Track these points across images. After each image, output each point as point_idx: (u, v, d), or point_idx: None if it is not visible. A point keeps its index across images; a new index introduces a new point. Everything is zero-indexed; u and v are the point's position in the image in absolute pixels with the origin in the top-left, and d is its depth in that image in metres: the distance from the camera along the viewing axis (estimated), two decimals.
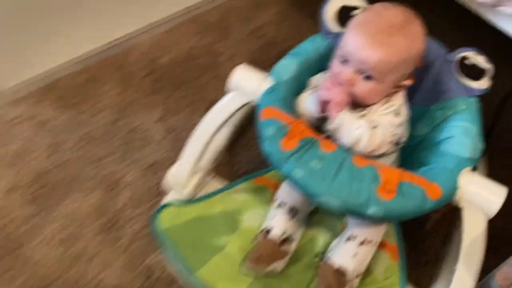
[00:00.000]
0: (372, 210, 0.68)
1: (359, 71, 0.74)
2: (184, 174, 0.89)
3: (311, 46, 0.86)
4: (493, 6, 0.76)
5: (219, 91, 0.80)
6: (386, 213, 0.69)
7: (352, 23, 0.76)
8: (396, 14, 0.73)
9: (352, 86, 0.75)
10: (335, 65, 0.78)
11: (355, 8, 0.85)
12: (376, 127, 0.75)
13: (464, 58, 0.81)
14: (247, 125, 1.11)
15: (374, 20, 0.73)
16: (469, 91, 0.79)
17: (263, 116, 0.77)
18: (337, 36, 0.85)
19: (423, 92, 0.85)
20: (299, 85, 0.84)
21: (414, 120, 0.84)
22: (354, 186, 0.69)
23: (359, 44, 0.72)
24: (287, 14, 1.37)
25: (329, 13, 0.86)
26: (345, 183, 0.69)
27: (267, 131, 0.75)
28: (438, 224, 0.99)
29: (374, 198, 0.68)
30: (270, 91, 0.79)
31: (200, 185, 0.94)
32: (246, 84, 0.82)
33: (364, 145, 0.73)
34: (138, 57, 1.24)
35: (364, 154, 0.74)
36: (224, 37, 1.30)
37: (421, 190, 0.69)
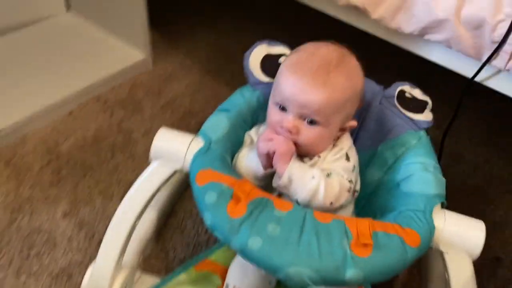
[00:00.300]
0: (350, 273, 0.56)
1: (302, 117, 0.66)
2: (105, 276, 0.70)
3: (240, 99, 0.76)
4: (421, 35, 0.74)
5: (137, 171, 0.66)
6: (367, 273, 0.56)
7: (285, 66, 0.68)
8: (330, 51, 0.67)
9: (296, 134, 0.66)
10: (273, 114, 0.69)
11: (279, 56, 0.79)
12: (330, 175, 0.65)
13: (402, 92, 0.77)
14: (176, 201, 0.96)
15: (308, 60, 0.66)
16: (416, 124, 0.74)
17: (199, 182, 0.63)
18: (267, 85, 0.77)
19: (367, 135, 0.79)
20: (234, 143, 0.73)
21: (363, 166, 0.77)
22: (324, 247, 0.57)
23: (298, 88, 0.64)
24: (201, 84, 1.30)
25: (253, 63, 0.79)
26: (313, 245, 0.57)
27: (207, 198, 0.61)
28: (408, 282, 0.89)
29: (349, 257, 0.56)
30: (203, 152, 0.67)
31: (128, 286, 0.75)
32: (172, 148, 0.69)
33: (322, 197, 0.63)
34: (34, 145, 1.05)
35: (323, 209, 0.64)
36: (135, 113, 1.17)
37: (398, 239, 0.59)
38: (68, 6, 1.43)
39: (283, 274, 0.56)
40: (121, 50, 1.30)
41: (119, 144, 1.08)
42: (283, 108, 0.67)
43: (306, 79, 0.64)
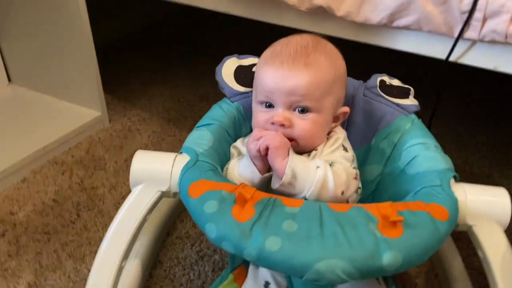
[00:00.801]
0: (387, 257, 0.49)
1: (291, 107, 0.61)
2: None
3: (219, 111, 0.71)
4: (390, 22, 0.74)
5: (108, 227, 0.58)
6: (405, 254, 0.49)
7: (261, 60, 0.65)
8: (304, 38, 0.65)
9: (290, 127, 0.61)
10: (260, 114, 0.64)
11: (251, 66, 0.76)
12: (332, 164, 0.60)
13: (382, 81, 0.75)
14: (159, 250, 0.85)
15: (284, 49, 0.63)
16: (405, 108, 0.71)
17: (194, 194, 0.55)
18: (245, 94, 0.73)
19: (357, 131, 0.75)
20: (221, 156, 0.66)
21: (360, 164, 0.72)
22: (351, 235, 0.50)
23: (280, 75, 0.60)
24: (164, 133, 1.23)
25: (226, 76, 0.75)
26: (339, 235, 0.50)
27: (208, 208, 0.53)
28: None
29: (382, 241, 0.49)
30: (191, 165, 0.59)
31: None
32: (154, 169, 0.61)
33: (333, 185, 0.57)
34: None
35: (335, 201, 0.57)
36: (97, 171, 1.07)
37: (426, 214, 0.53)
38: (9, 79, 1.35)
39: (312, 271, 0.48)
40: (73, 111, 1.22)
41: (84, 203, 0.97)
42: (269, 105, 0.63)
43: (287, 65, 0.60)
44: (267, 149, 0.58)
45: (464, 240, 0.91)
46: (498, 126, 1.33)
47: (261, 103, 0.63)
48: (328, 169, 0.57)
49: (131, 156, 1.14)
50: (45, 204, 0.96)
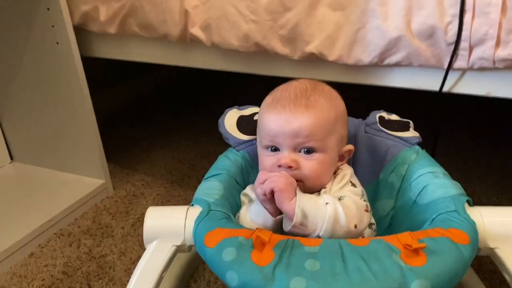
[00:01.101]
0: (416, 287, 0.47)
1: (296, 149, 0.62)
2: None
3: (227, 161, 0.72)
4: (381, 61, 0.77)
5: None
6: (433, 282, 0.48)
7: (263, 107, 0.67)
8: (301, 82, 0.67)
9: (297, 168, 0.61)
10: (266, 159, 0.65)
11: (253, 115, 0.78)
12: (341, 198, 0.60)
13: (381, 117, 0.76)
14: None
15: (284, 94, 0.65)
16: (407, 141, 0.72)
17: (210, 244, 0.54)
18: (250, 142, 0.74)
19: (364, 168, 0.75)
20: (232, 205, 0.66)
21: (371, 201, 0.71)
22: (376, 268, 0.49)
23: (283, 119, 0.62)
24: (169, 194, 1.23)
25: (229, 127, 0.76)
26: (364, 269, 0.49)
27: (226, 256, 0.52)
28: None
29: (408, 270, 0.48)
30: (204, 215, 0.59)
31: None
32: (167, 224, 0.61)
33: (345, 220, 0.56)
34: None
35: (349, 237, 0.57)
36: (105, 238, 1.05)
37: (447, 239, 0.52)
38: (11, 157, 1.37)
39: None
40: (77, 182, 1.22)
41: (94, 272, 0.94)
42: (274, 149, 0.64)
43: (289, 108, 0.62)
44: (273, 192, 0.58)
45: (486, 271, 0.89)
46: (499, 153, 1.34)
47: (267, 147, 0.64)
48: (337, 203, 0.57)
49: (138, 220, 1.15)
50: (54, 277, 0.94)
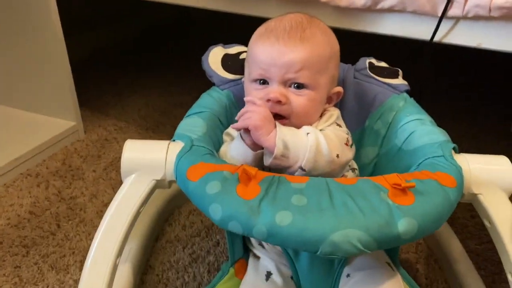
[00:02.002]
0: (403, 224, 0.47)
1: (286, 83, 0.59)
2: None
3: (210, 99, 0.68)
4: (374, 5, 0.74)
5: (93, 235, 0.53)
6: (419, 221, 0.48)
7: (255, 37, 0.63)
8: (297, 15, 0.63)
9: (287, 103, 0.59)
10: (254, 92, 0.62)
11: (238, 53, 0.74)
12: (322, 130, 0.58)
13: (371, 63, 0.74)
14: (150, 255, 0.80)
15: (278, 25, 0.61)
16: (396, 88, 0.70)
17: (193, 178, 0.52)
18: (235, 82, 0.71)
19: (350, 114, 0.73)
20: (215, 143, 0.63)
21: (356, 148, 0.70)
22: (363, 204, 0.48)
23: (276, 50, 0.59)
24: (143, 139, 1.18)
25: (214, 64, 0.72)
26: (351, 205, 0.48)
27: (210, 189, 0.50)
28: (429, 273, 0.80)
29: (395, 208, 0.48)
30: (187, 150, 0.56)
31: None
32: (147, 157, 0.58)
33: (327, 148, 0.55)
34: None
35: (331, 168, 0.56)
36: (76, 180, 1.01)
37: (434, 182, 0.52)
38: None
39: (327, 244, 0.45)
40: (46, 124, 1.16)
41: (64, 213, 0.91)
42: (263, 82, 0.61)
43: (283, 40, 0.59)
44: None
45: (457, 225, 0.91)
46: (478, 114, 1.35)
47: (255, 80, 0.61)
48: (318, 132, 0.56)
49: (111, 164, 1.11)
50: (21, 217, 0.90)
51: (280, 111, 0.58)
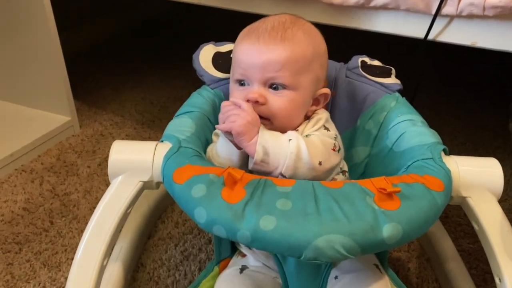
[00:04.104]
0: (388, 230, 0.46)
1: (266, 84, 0.59)
2: None
3: (200, 99, 0.68)
4: (368, 1, 0.73)
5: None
6: (404, 226, 0.47)
7: (239, 37, 0.63)
8: (282, 15, 0.62)
9: (265, 104, 0.58)
10: (236, 93, 0.62)
11: (229, 52, 0.73)
12: (308, 136, 0.58)
13: (363, 62, 0.73)
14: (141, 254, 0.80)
15: (261, 25, 0.61)
16: (388, 87, 0.70)
17: (179, 180, 0.52)
18: (225, 81, 0.71)
19: (342, 113, 0.73)
20: (204, 144, 0.63)
21: (346, 147, 0.70)
22: (348, 209, 0.47)
23: (255, 50, 0.58)
24: (138, 135, 1.19)
25: (205, 63, 0.72)
26: (336, 210, 0.47)
27: (195, 193, 0.50)
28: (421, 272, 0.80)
29: (380, 213, 0.47)
30: (174, 151, 0.56)
31: None
32: (134, 159, 0.57)
33: (307, 155, 0.54)
34: None
35: (315, 175, 0.55)
36: (70, 176, 1.02)
37: (421, 185, 0.51)
38: None
39: (311, 249, 0.45)
40: (41, 118, 1.16)
41: (57, 210, 0.91)
42: (243, 83, 0.60)
43: (263, 40, 0.58)
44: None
45: (451, 223, 0.91)
46: (474, 110, 1.34)
47: (237, 81, 0.61)
48: (300, 139, 0.55)
49: (105, 160, 1.11)
50: (15, 213, 0.90)
51: (259, 112, 0.57)
